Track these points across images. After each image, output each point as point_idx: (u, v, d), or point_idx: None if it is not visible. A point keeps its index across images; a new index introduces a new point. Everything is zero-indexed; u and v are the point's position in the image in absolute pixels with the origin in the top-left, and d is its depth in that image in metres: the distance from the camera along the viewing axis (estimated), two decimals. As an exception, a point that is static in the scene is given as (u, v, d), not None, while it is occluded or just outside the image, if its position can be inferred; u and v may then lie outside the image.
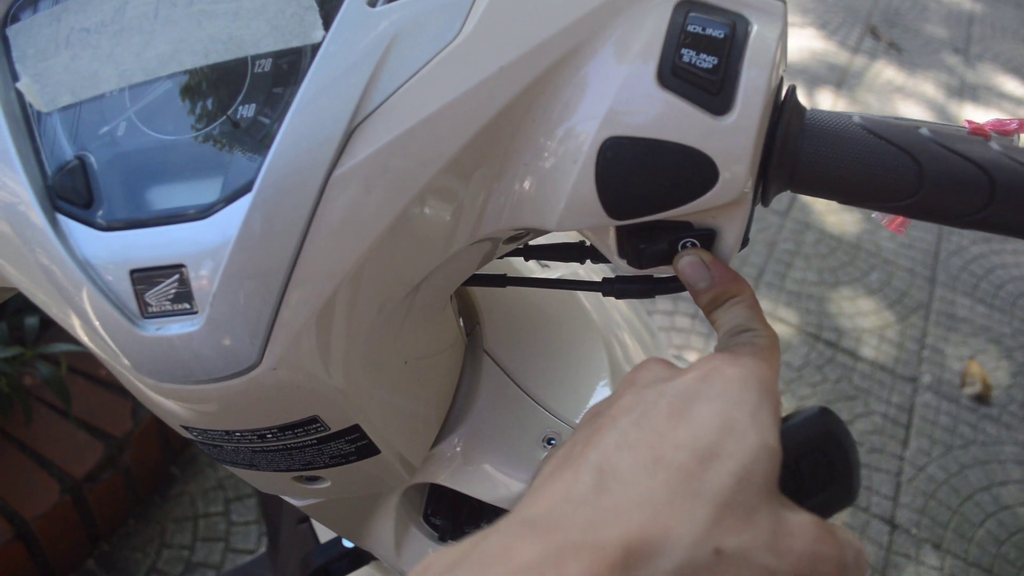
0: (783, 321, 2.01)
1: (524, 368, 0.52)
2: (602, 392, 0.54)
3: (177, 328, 0.33)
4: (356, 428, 0.40)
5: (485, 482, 0.50)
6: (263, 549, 1.37)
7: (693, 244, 0.38)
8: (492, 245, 0.42)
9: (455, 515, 0.54)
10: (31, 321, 1.11)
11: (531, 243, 0.47)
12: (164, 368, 0.34)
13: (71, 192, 0.34)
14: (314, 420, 0.38)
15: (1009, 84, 3.09)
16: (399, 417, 0.43)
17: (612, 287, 0.43)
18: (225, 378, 0.34)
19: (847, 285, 2.14)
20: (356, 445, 0.41)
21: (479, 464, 0.50)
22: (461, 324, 0.52)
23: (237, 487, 1.48)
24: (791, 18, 3.29)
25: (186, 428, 0.39)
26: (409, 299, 0.38)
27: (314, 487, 0.46)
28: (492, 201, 0.36)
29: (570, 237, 0.50)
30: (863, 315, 2.08)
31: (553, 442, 0.50)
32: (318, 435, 0.39)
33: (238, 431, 0.38)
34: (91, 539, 1.32)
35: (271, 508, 0.94)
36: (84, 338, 0.37)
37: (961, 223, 0.37)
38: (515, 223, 0.37)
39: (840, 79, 2.90)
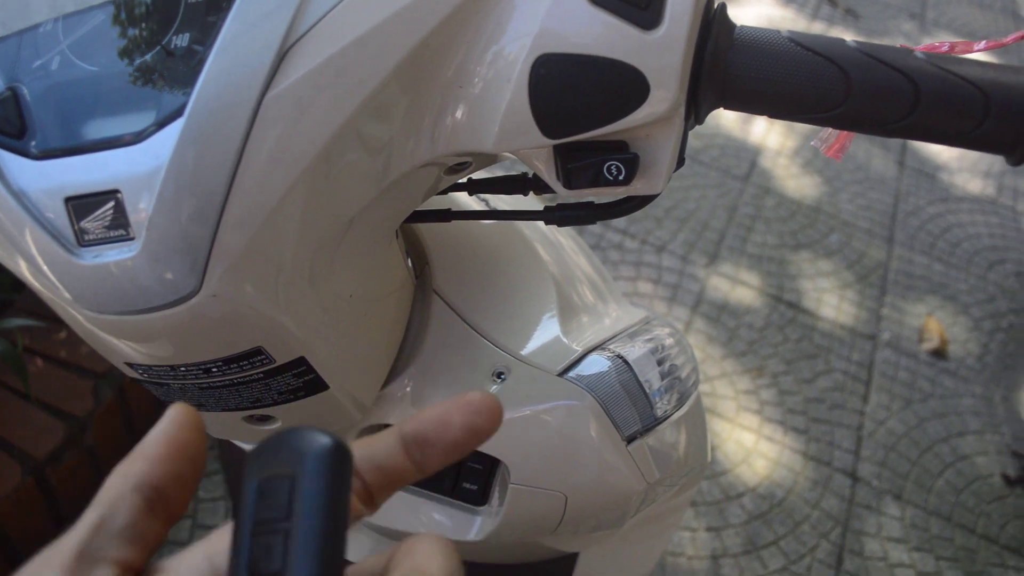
0: (745, 284, 2.04)
1: (473, 306, 0.53)
2: (549, 325, 0.55)
3: (114, 255, 0.33)
4: (302, 361, 0.40)
5: None
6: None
7: (618, 168, 0.38)
8: (434, 177, 0.42)
9: None
10: None
11: (474, 177, 0.47)
12: (103, 298, 0.34)
13: (3, 122, 0.34)
14: (258, 352, 0.38)
15: (963, 47, 3.12)
16: (346, 353, 0.44)
17: (553, 214, 0.44)
18: (165, 306, 0.34)
19: (807, 247, 2.17)
20: (303, 380, 0.41)
21: (429, 402, 0.51)
22: (410, 265, 0.53)
23: (206, 463, 1.48)
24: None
25: (130, 366, 0.39)
26: (352, 230, 0.39)
27: (266, 428, 0.46)
28: (428, 126, 0.36)
29: (513, 170, 0.51)
30: (823, 276, 2.11)
31: (502, 376, 0.51)
32: (264, 368, 0.40)
33: (183, 366, 0.38)
34: (56, 521, 1.32)
35: (234, 477, 0.95)
36: (25, 274, 0.37)
37: (888, 131, 0.38)
38: (453, 148, 0.37)
39: (798, 46, 2.92)
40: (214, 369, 0.39)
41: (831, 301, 2.05)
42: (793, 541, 1.59)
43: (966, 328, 2.05)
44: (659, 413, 0.54)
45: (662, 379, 0.55)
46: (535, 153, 0.39)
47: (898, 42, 3.02)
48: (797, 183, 2.36)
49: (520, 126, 0.36)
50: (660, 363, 0.56)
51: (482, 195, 0.59)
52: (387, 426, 0.55)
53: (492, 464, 0.54)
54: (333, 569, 0.25)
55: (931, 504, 1.69)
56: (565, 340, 0.54)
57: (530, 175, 0.45)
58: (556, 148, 0.38)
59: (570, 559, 0.67)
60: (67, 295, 0.34)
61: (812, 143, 0.43)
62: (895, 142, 2.57)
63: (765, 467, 1.68)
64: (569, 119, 0.36)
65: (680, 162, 0.41)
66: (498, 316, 0.54)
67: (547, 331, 0.54)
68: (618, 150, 0.38)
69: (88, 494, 1.35)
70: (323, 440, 0.25)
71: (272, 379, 0.41)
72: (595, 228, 2.09)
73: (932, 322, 2.03)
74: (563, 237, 0.67)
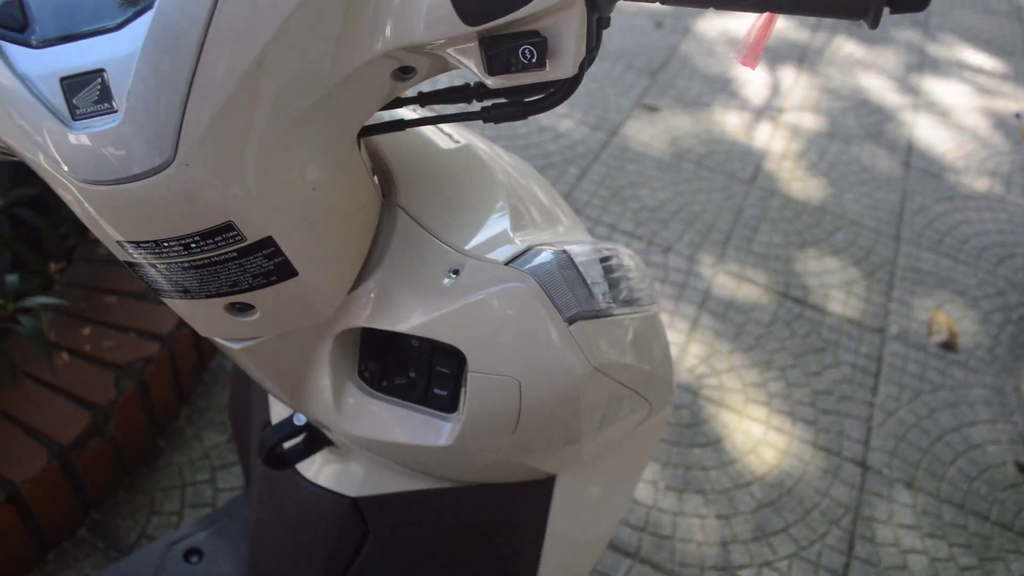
0: (750, 281, 2.07)
1: (434, 217, 0.58)
2: (501, 229, 0.59)
3: (100, 125, 0.38)
4: (270, 241, 0.45)
5: (398, 313, 0.55)
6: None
7: (531, 51, 0.43)
8: (382, 82, 0.47)
9: (384, 366, 0.59)
10: (11, 279, 1.16)
11: (424, 92, 0.53)
12: (93, 166, 0.39)
13: (9, 20, 0.39)
14: (229, 227, 0.43)
15: (968, 53, 3.16)
16: (314, 244, 0.48)
17: (489, 113, 0.49)
18: (144, 175, 0.39)
19: (813, 246, 2.20)
20: (274, 262, 0.46)
21: (393, 300, 0.55)
22: (376, 183, 0.58)
23: (222, 456, 1.53)
24: None
25: (122, 246, 0.44)
26: (312, 123, 0.44)
27: (247, 319, 0.50)
28: (370, 18, 0.42)
29: (458, 82, 0.56)
30: (829, 273, 2.13)
31: (457, 272, 0.55)
32: (236, 246, 0.44)
33: (166, 240, 0.43)
34: (83, 507, 1.37)
35: (245, 445, 0.99)
36: (32, 152, 0.41)
37: (752, 5, 0.43)
38: (390, 44, 0.42)
39: (802, 55, 2.97)
40: (193, 245, 0.44)
41: (838, 296, 2.07)
42: (803, 528, 1.60)
43: (975, 321, 2.07)
44: (601, 305, 0.58)
45: (605, 276, 0.60)
46: (463, 51, 0.44)
47: (901, 49, 3.06)
48: (802, 185, 2.39)
49: (442, 16, 0.41)
50: (606, 265, 0.60)
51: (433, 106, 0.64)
52: (363, 344, 0.60)
53: (460, 368, 0.58)
54: None
55: (943, 492, 1.69)
56: (513, 238, 0.59)
57: (472, 84, 0.50)
58: (480, 42, 0.43)
59: (549, 482, 0.71)
60: (64, 167, 0.40)
61: (730, 55, 0.47)
62: (900, 143, 2.60)
63: (774, 456, 1.70)
64: (482, 5, 0.41)
65: (592, 54, 0.46)
66: (456, 225, 0.59)
67: (499, 234, 0.59)
68: (530, 36, 0.43)
69: (112, 483, 1.40)
70: None
71: (246, 259, 0.46)
72: (603, 229, 2.13)
73: (941, 315, 2.05)
74: (536, 185, 0.72)
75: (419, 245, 0.57)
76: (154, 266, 0.46)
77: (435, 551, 0.74)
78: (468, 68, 0.45)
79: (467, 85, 0.51)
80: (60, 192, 0.43)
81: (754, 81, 2.77)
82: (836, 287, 2.09)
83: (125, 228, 0.43)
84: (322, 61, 0.41)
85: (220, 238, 0.44)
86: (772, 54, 2.95)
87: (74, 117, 0.39)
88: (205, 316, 0.51)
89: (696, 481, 1.64)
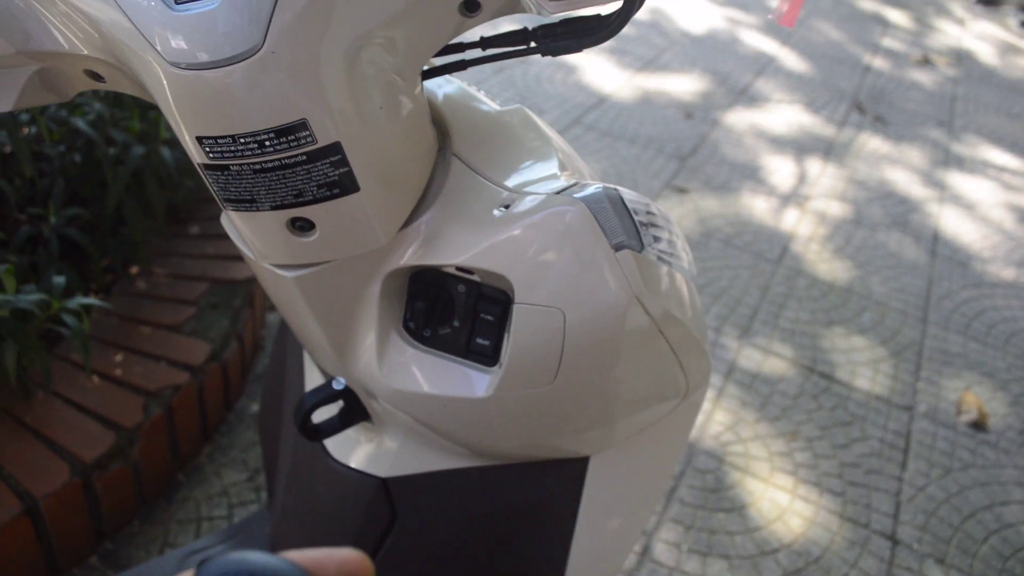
0: (777, 355, 2.06)
1: (487, 165, 0.61)
2: (552, 172, 0.61)
3: (200, 7, 0.42)
4: (338, 148, 0.47)
5: (448, 248, 0.57)
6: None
7: None
8: (452, 12, 0.50)
9: (429, 313, 0.60)
10: (58, 279, 1.19)
11: (485, 36, 0.56)
12: (189, 49, 0.42)
13: None
14: (303, 126, 0.46)
15: (992, 152, 3.21)
16: (375, 162, 0.51)
17: (547, 46, 0.53)
18: (235, 59, 0.42)
19: (840, 324, 2.20)
20: (339, 172, 0.49)
21: (443, 236, 0.57)
22: (435, 134, 0.61)
23: (241, 493, 1.52)
24: (780, 95, 3.46)
25: (200, 144, 0.47)
26: (386, 41, 0.47)
27: (306, 239, 0.53)
28: None
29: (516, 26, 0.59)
30: (857, 350, 2.12)
31: (507, 207, 0.57)
32: (307, 148, 0.47)
33: (242, 136, 0.46)
34: (97, 534, 1.36)
35: (273, 452, 0.99)
36: (131, 41, 0.44)
37: None
38: None
39: (828, 148, 3.04)
40: (267, 143, 0.46)
41: (865, 373, 2.05)
42: (831, 600, 1.54)
43: (1005, 403, 2.03)
44: (645, 244, 0.59)
45: (650, 219, 0.61)
46: None
47: (927, 147, 3.13)
48: (829, 267, 2.41)
49: None
50: (652, 216, 0.61)
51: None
52: (410, 294, 0.61)
53: (503, 316, 0.59)
54: None
55: (976, 569, 1.63)
56: (561, 176, 0.61)
57: (530, 28, 0.54)
58: None
59: (582, 464, 0.70)
60: (159, 47, 0.43)
61: (769, 16, 0.51)
62: (926, 232, 2.62)
63: (800, 525, 1.66)
64: None
65: None
66: (509, 171, 0.61)
67: (549, 175, 0.61)
68: None
69: (129, 511, 1.39)
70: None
71: (313, 165, 0.48)
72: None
73: (970, 396, 2.02)
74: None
75: (472, 187, 0.59)
76: (226, 168, 0.48)
77: (463, 536, 0.73)
78: (528, 7, 0.49)
79: (524, 29, 0.54)
80: (149, 84, 0.46)
81: (781, 170, 2.83)
82: (863, 364, 2.08)
83: (207, 119, 0.46)
84: None
85: (293, 137, 0.46)
86: (798, 146, 3.02)
87: (177, 2, 0.42)
88: (266, 234, 0.53)
89: (721, 546, 1.60)
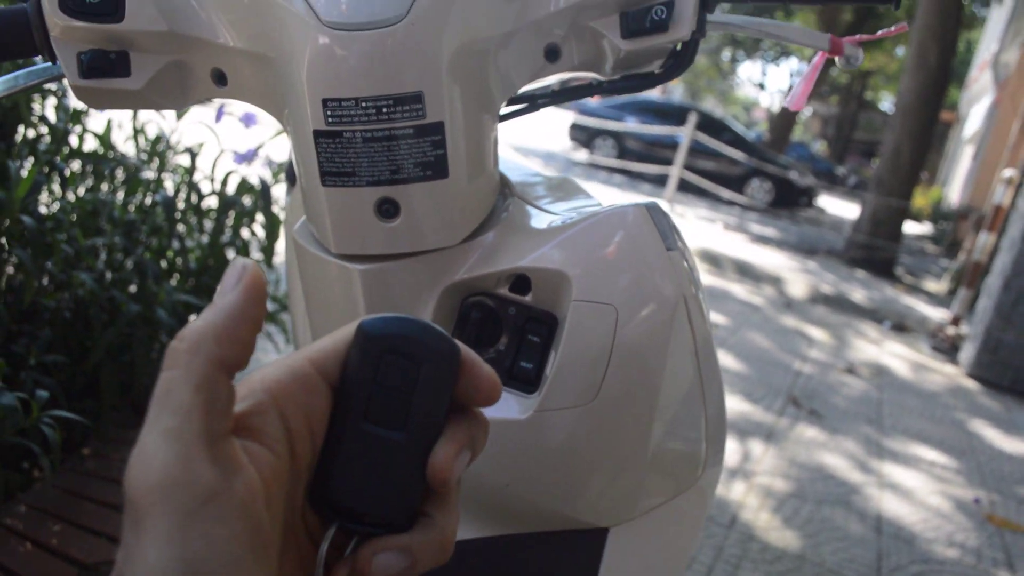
0: (736, 613, 2.00)
1: (542, 200, 0.67)
2: (587, 206, 0.68)
3: None
4: (440, 127, 0.54)
5: (506, 256, 0.60)
6: None
7: (662, 10, 0.56)
8: (537, 56, 0.59)
9: (476, 344, 0.63)
10: (41, 393, 1.17)
11: (556, 90, 0.67)
12: (346, 10, 0.50)
13: None
14: (418, 99, 0.52)
15: (922, 449, 3.38)
16: (465, 147, 0.56)
17: (615, 85, 0.64)
18: (380, 24, 0.50)
19: (796, 588, 2.17)
20: (435, 153, 0.54)
21: (503, 247, 0.61)
22: (499, 173, 0.67)
23: None
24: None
25: (324, 108, 0.53)
26: (482, 63, 0.56)
27: (389, 224, 0.57)
28: None
29: (581, 80, 0.69)
30: (815, 614, 2.07)
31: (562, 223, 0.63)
32: (416, 122, 0.53)
33: (364, 100, 0.52)
34: None
35: None
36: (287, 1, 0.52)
37: None
38: (561, 2, 0.57)
39: (768, 434, 3.17)
40: (384, 109, 0.52)
41: (826, 636, 1.99)
42: None
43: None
44: (685, 256, 0.63)
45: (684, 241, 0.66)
46: (605, 23, 0.58)
47: (860, 439, 3.29)
48: (780, 535, 2.42)
49: None
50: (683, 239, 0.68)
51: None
52: (461, 313, 0.64)
53: (549, 338, 0.60)
54: (432, 442, 0.35)
55: None
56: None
57: (594, 83, 0.65)
58: (620, 15, 0.57)
59: (601, 536, 0.69)
60: (318, 8, 0.50)
61: (783, 103, 0.65)
62: (869, 511, 2.68)
63: None
64: None
65: (700, 29, 0.59)
66: (562, 207, 0.67)
67: (588, 214, 0.68)
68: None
69: None
70: (449, 343, 0.35)
71: (416, 140, 0.53)
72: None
73: (933, 665, 1.96)
74: None
75: (531, 214, 0.65)
76: (339, 135, 0.53)
77: None
78: (606, 35, 0.58)
79: (590, 83, 0.65)
80: (279, 59, 0.53)
81: (726, 448, 2.92)
82: (823, 627, 2.02)
83: (342, 80, 0.51)
84: (512, 3, 0.55)
85: (408, 108, 0.52)
86: (740, 429, 3.15)
87: None
88: (352, 216, 0.56)
89: None
